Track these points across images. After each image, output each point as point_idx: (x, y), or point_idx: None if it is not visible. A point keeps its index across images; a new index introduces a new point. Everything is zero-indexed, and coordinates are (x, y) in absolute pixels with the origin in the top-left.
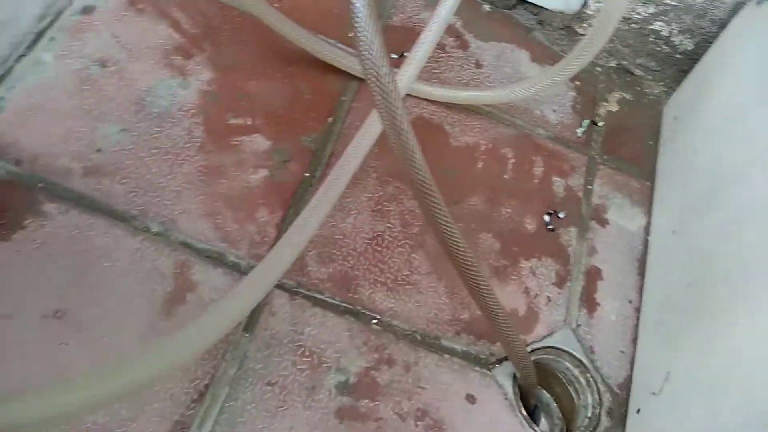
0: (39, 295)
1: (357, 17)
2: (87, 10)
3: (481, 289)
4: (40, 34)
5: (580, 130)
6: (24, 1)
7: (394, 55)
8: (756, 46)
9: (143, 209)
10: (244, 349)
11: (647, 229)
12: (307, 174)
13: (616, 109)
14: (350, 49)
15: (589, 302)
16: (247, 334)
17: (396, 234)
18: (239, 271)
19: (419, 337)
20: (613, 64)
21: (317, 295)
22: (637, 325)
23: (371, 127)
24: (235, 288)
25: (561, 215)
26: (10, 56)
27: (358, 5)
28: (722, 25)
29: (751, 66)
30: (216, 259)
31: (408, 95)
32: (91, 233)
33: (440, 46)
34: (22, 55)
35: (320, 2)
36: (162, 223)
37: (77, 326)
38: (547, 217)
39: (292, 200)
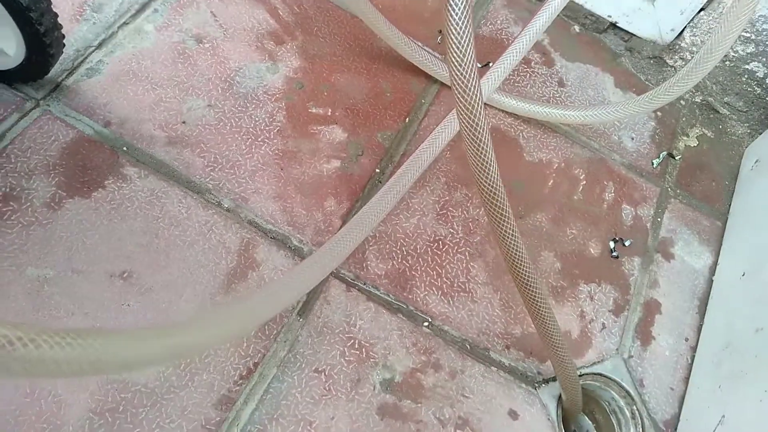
0: (110, 254)
1: (453, 24)
2: None
3: (540, 306)
4: (145, 5)
5: (656, 161)
6: None
7: (479, 64)
8: None
9: (218, 184)
10: (296, 333)
11: (713, 269)
12: (377, 170)
13: (695, 144)
14: (436, 54)
15: (645, 335)
16: (300, 319)
17: (457, 240)
18: (301, 255)
19: (468, 346)
20: (698, 99)
21: (373, 290)
22: (691, 364)
23: (444, 132)
24: (291, 270)
25: (626, 243)
26: (115, 23)
27: (455, 13)
28: None
29: None
30: (280, 241)
31: (487, 105)
32: (166, 201)
33: (526, 61)
34: (126, 23)
35: (412, 5)
36: (234, 199)
37: (140, 289)
38: (612, 244)
39: (360, 194)
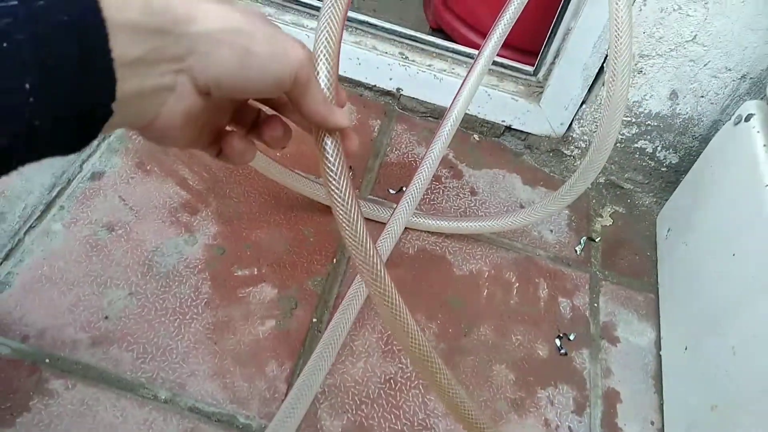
0: None
1: (334, 195)
2: (96, 176)
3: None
4: (50, 204)
5: (578, 248)
6: (37, 172)
7: (392, 191)
8: (737, 166)
9: (151, 375)
10: None
11: (658, 344)
12: (314, 319)
13: (610, 222)
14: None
15: (611, 428)
16: None
17: (408, 374)
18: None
19: None
20: (602, 179)
21: None
22: None
23: None
24: None
25: (571, 337)
26: (20, 229)
27: (337, 197)
28: (703, 140)
29: (735, 184)
30: (226, 422)
31: (410, 228)
32: (98, 408)
33: (436, 178)
34: (32, 227)
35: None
36: (170, 389)
37: None
38: (558, 341)
39: (300, 350)
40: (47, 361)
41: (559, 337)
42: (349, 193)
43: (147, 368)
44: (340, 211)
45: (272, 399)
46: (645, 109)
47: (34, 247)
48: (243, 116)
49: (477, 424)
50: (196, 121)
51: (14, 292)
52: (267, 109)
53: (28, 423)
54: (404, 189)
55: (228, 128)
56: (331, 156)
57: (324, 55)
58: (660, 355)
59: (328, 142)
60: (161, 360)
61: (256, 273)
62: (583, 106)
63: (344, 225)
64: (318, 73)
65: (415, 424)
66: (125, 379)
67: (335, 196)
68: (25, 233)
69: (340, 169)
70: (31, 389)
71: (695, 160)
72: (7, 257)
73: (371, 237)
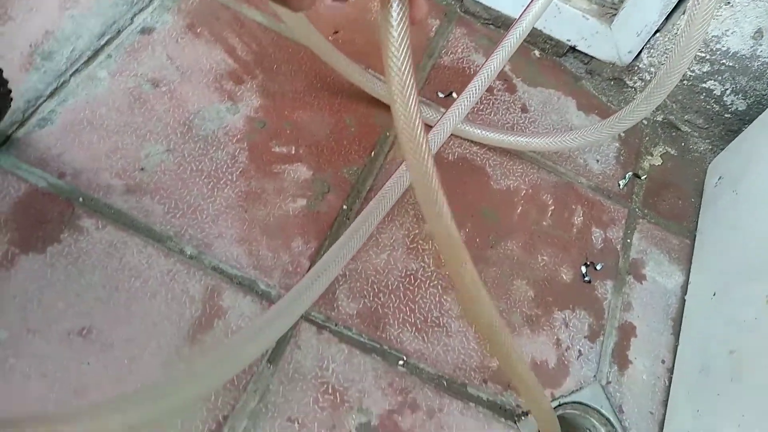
0: (67, 311)
1: (394, 77)
2: (146, 31)
3: (504, 347)
4: (98, 51)
5: (622, 182)
6: (87, 18)
7: (441, 94)
8: None
9: (179, 230)
10: (267, 381)
11: (684, 289)
12: (344, 207)
13: (660, 163)
14: None
15: (621, 359)
16: (271, 366)
17: (429, 274)
18: (269, 300)
19: (445, 383)
20: (659, 118)
21: (345, 331)
22: (669, 387)
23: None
24: (260, 317)
25: (598, 267)
26: (66, 71)
27: (394, 67)
28: None
29: None
30: (247, 287)
31: (453, 135)
32: (126, 251)
33: (488, 89)
34: (78, 71)
35: (371, 38)
36: (196, 246)
37: (101, 346)
38: (584, 269)
39: (328, 232)
40: (81, 200)
41: (585, 264)
42: (407, 62)
43: (176, 223)
44: (396, 80)
45: (294, 273)
46: (723, 46)
47: (79, 90)
48: None
49: (495, 329)
50: None
51: (55, 129)
52: None
53: (58, 253)
54: (454, 94)
55: None
56: (395, 18)
57: None
58: (684, 299)
59: (394, 4)
60: (191, 218)
61: (293, 152)
62: (657, 34)
63: (397, 94)
64: None
65: (429, 320)
66: (154, 229)
67: (392, 63)
68: (71, 75)
69: (401, 34)
70: (64, 223)
71: (764, 110)
72: (51, 95)
73: None
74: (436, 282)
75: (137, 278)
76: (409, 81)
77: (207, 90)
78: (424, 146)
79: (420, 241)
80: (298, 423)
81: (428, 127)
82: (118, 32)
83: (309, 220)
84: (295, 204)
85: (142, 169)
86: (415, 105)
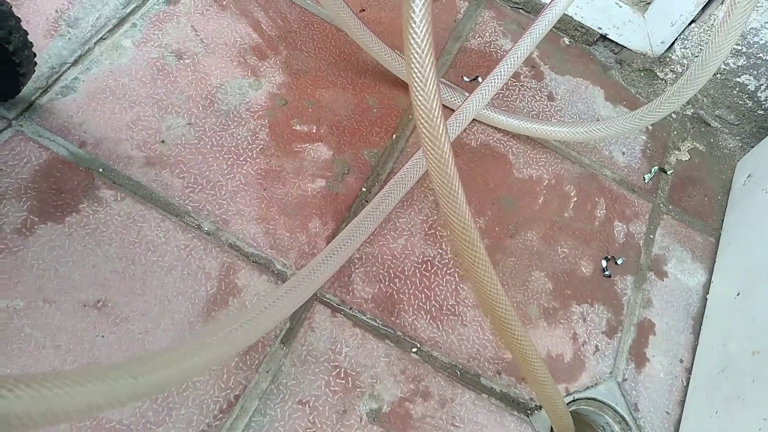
0: (83, 282)
1: (415, 67)
2: (172, 1)
3: (519, 341)
4: (123, 20)
5: (647, 176)
6: None
7: (466, 78)
8: None
9: (198, 206)
10: (279, 362)
11: (707, 288)
12: (364, 189)
13: (687, 158)
14: None
15: (639, 356)
16: (284, 347)
17: (446, 261)
18: (284, 280)
19: (458, 372)
20: (689, 112)
21: (359, 315)
22: (686, 387)
23: None
24: (272, 292)
25: (619, 262)
26: (91, 38)
27: (414, 42)
28: None
29: None
30: (263, 266)
31: (476, 120)
32: (143, 225)
33: (515, 75)
34: (103, 38)
35: (399, 18)
36: (214, 222)
37: (115, 318)
38: (604, 262)
39: (346, 214)
40: (101, 170)
41: (606, 258)
42: (427, 37)
43: (195, 198)
44: (414, 55)
45: (310, 253)
46: (761, 39)
47: (103, 58)
48: None
49: (506, 322)
50: None
51: (78, 98)
52: None
53: (76, 223)
54: (479, 78)
55: None
56: None
57: None
58: (706, 299)
59: None
60: (209, 193)
61: (314, 131)
62: (692, 25)
63: (415, 77)
64: None
65: (444, 308)
66: (173, 203)
67: (412, 39)
68: (95, 43)
69: (424, 11)
70: (83, 193)
71: None
72: (75, 63)
73: None
74: (453, 270)
75: (154, 252)
76: (429, 57)
77: (230, 64)
78: (440, 127)
79: (438, 228)
80: (309, 406)
81: (450, 111)
82: (144, 1)
83: (327, 201)
84: (314, 184)
85: (163, 141)
86: (433, 82)
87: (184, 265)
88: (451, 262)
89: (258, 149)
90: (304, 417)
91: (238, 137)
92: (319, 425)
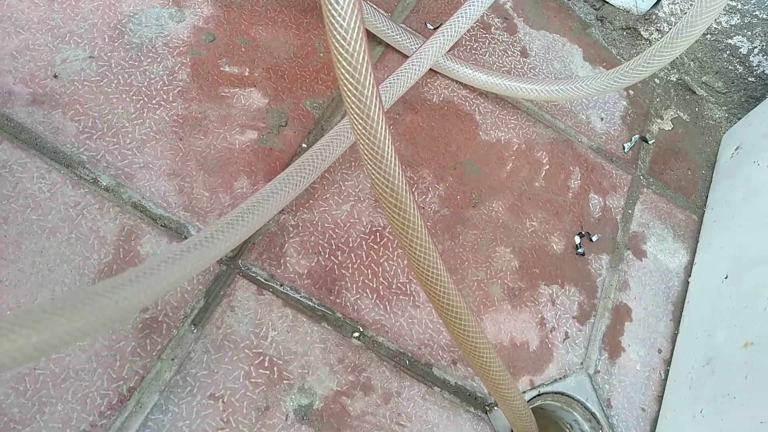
0: None
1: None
2: None
3: (467, 333)
4: None
5: (627, 146)
6: None
7: (430, 26)
8: None
9: (95, 155)
10: (188, 348)
11: (689, 270)
12: (304, 145)
13: (670, 128)
14: (381, 10)
15: (613, 345)
16: (195, 330)
17: None
18: None
19: (407, 362)
20: (673, 77)
21: (291, 293)
22: (665, 381)
23: (385, 99)
24: (177, 246)
25: (594, 239)
26: None
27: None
28: None
29: None
30: (173, 230)
31: (439, 73)
32: (23, 175)
33: (485, 26)
34: None
35: None
36: (115, 176)
37: None
38: (577, 239)
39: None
40: None
41: (580, 234)
42: None
43: (92, 145)
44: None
45: None
46: None
47: None
48: None
49: (453, 310)
50: None
51: None
52: None
53: None
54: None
55: None
56: None
57: None
58: (688, 282)
59: None
60: (111, 141)
61: (247, 74)
62: None
63: (332, 23)
64: None
65: (394, 286)
66: (63, 151)
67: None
68: None
69: None
70: None
71: None
72: None
73: (393, 69)
74: None
75: (34, 209)
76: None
77: None
78: (363, 65)
79: None
80: (223, 402)
81: (405, 58)
82: None
83: (259, 156)
84: (244, 136)
85: (56, 76)
86: (359, 36)
87: (73, 227)
88: None
89: (176, 91)
90: (216, 414)
91: (152, 76)
92: (234, 425)
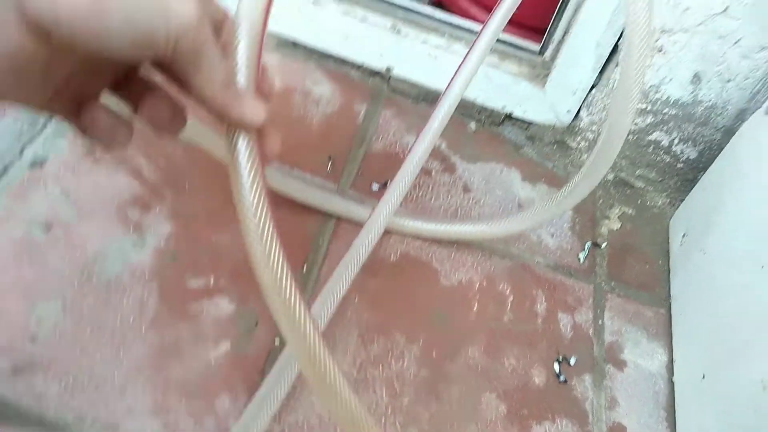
0: None
1: (245, 213)
2: (37, 164)
3: None
4: None
5: (582, 255)
6: None
7: (376, 186)
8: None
9: (79, 414)
10: None
11: (670, 368)
12: (277, 342)
13: (618, 226)
14: (328, 183)
15: None
16: None
17: (383, 408)
18: None
19: None
20: (610, 177)
21: None
22: None
23: (345, 274)
24: None
25: (572, 362)
26: None
27: (249, 220)
28: (728, 132)
29: (765, 182)
30: None
31: (392, 232)
32: None
33: (426, 172)
34: None
35: (294, 131)
36: (101, 430)
37: None
38: (556, 366)
39: (258, 379)
40: None
41: (558, 361)
42: (263, 209)
43: (75, 404)
44: (252, 234)
45: None
46: (663, 95)
47: None
48: (129, 86)
49: None
50: (38, 74)
51: None
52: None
53: None
54: (389, 183)
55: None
56: (243, 160)
57: (247, 20)
58: (672, 382)
59: (240, 142)
60: (93, 394)
61: (212, 284)
62: (593, 90)
63: (256, 252)
64: (236, 46)
65: None
66: (47, 417)
67: (246, 215)
68: None
69: (253, 180)
70: None
71: (717, 155)
72: None
73: (348, 240)
74: (392, 417)
75: None
76: (268, 228)
77: (109, 224)
78: (303, 319)
79: (368, 368)
80: None
81: (359, 226)
82: (5, 170)
83: (236, 366)
84: (218, 350)
85: (33, 340)
86: (280, 262)
87: None
88: (389, 407)
89: (148, 321)
90: None
91: (123, 312)
92: None
